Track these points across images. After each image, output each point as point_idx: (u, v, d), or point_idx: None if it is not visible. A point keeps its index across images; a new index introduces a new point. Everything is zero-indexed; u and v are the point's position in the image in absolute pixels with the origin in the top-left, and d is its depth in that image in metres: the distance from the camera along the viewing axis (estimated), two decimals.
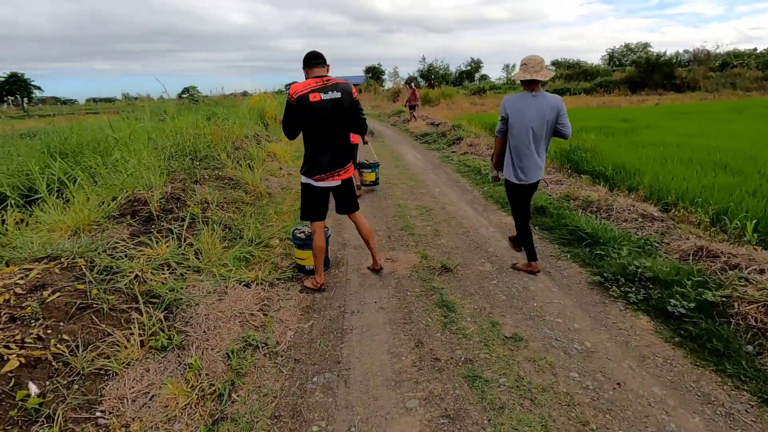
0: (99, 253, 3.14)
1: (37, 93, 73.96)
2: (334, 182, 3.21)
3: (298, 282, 3.58)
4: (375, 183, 6.72)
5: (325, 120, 3.03)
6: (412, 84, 17.85)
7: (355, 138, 7.22)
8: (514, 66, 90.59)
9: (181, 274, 3.41)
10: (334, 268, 3.83)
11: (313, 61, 3.08)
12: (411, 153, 10.17)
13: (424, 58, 59.74)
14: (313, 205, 3.28)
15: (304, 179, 3.21)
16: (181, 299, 2.94)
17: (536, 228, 4.63)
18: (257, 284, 3.39)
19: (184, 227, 4.09)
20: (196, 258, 3.68)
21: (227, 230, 4.52)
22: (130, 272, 3.09)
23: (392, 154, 10.00)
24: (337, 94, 3.03)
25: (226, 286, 3.26)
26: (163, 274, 3.30)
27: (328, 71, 3.15)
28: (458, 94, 37.00)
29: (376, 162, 6.82)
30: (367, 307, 3.17)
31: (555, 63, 67.52)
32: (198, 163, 7.13)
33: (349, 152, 3.27)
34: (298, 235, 3.64)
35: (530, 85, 3.19)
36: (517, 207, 3.56)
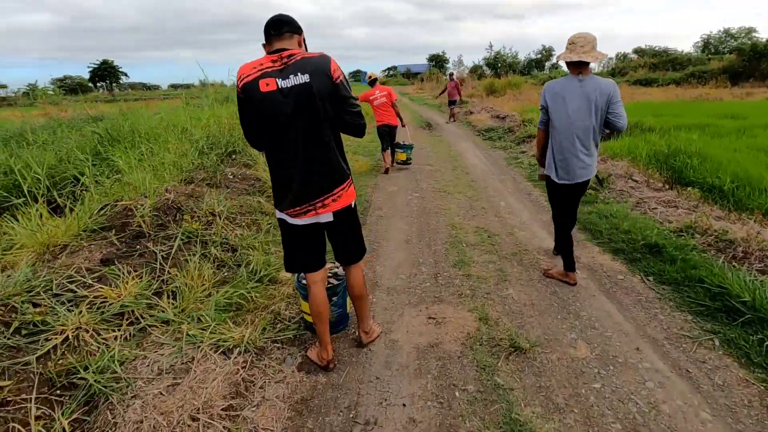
0: (23, 303, 2.28)
1: (124, 79, 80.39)
2: (321, 217, 2.08)
3: (301, 347, 2.53)
4: (407, 162, 7.43)
5: (289, 120, 1.92)
6: (454, 76, 15.06)
7: (394, 119, 7.07)
8: None
9: (142, 329, 2.50)
10: (354, 326, 2.73)
11: (273, 31, 1.96)
12: (472, 151, 8.80)
13: (491, 46, 56.89)
14: (296, 250, 2.20)
15: (278, 213, 2.13)
16: (113, 388, 1.99)
17: (651, 279, 3.22)
18: (241, 352, 2.38)
19: (172, 252, 3.20)
20: (173, 300, 2.76)
21: (232, 253, 3.59)
22: (62, 331, 2.20)
23: (449, 153, 8.69)
24: (305, 78, 1.88)
25: (194, 357, 2.29)
26: (115, 330, 2.40)
27: (301, 46, 2.05)
28: (526, 83, 34.26)
29: (410, 144, 7.51)
30: (390, 412, 2.04)
31: (638, 51, 61.31)
32: (225, 158, 6.35)
33: (339, 167, 2.07)
34: (303, 281, 2.57)
35: (577, 67, 2.79)
36: (559, 210, 3.21)
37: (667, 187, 5.66)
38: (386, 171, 7.07)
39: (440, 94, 14.42)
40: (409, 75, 77.58)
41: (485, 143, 9.86)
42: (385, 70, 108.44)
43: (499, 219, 4.64)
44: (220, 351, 2.36)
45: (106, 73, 76.30)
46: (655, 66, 41.39)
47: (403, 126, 7.32)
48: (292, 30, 1.98)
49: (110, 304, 2.52)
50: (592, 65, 2.86)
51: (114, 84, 76.40)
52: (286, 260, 2.22)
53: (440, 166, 7.36)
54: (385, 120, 7.01)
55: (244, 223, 4.14)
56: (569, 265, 3.20)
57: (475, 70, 53.02)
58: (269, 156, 2.03)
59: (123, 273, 2.84)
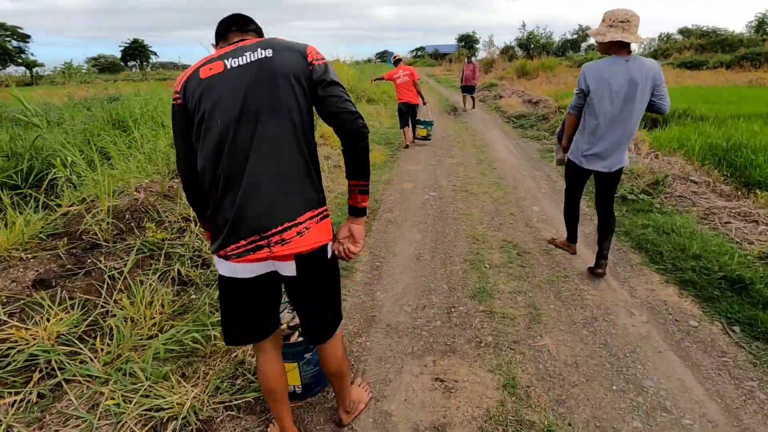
0: None
1: (154, 58, 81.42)
2: (281, 265, 1.39)
3: (262, 418, 1.90)
4: (427, 138, 7.85)
5: (239, 111, 1.26)
6: (472, 58, 12.96)
7: (415, 98, 7.25)
8: None
9: (59, 385, 1.91)
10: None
11: (235, 27, 1.44)
12: (501, 141, 7.91)
13: (524, 25, 54.23)
14: (239, 313, 1.48)
15: (216, 261, 1.42)
16: None
17: (737, 330, 2.41)
18: (176, 429, 1.76)
19: (126, 270, 2.61)
20: (109, 342, 2.16)
21: (203, 269, 2.98)
22: None
23: (475, 142, 7.82)
24: (266, 53, 1.30)
25: None
26: (12, 394, 1.82)
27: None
28: (561, 65, 32.30)
29: (430, 120, 7.90)
30: None
31: (683, 31, 57.31)
32: None
33: (311, 184, 1.38)
34: None
35: (625, 48, 2.60)
36: (573, 191, 3.14)
37: (738, 192, 4.71)
38: (407, 146, 7.50)
39: (461, 81, 12.56)
40: (437, 56, 75.24)
41: (515, 132, 8.92)
42: (412, 51, 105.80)
43: (530, 230, 3.85)
44: (149, 427, 1.75)
45: (136, 52, 77.36)
46: (702, 47, 38.65)
47: (424, 104, 7.68)
48: (258, 31, 1.48)
49: (18, 351, 1.95)
50: (634, 47, 2.69)
51: (144, 63, 77.49)
52: (224, 328, 1.54)
53: (463, 159, 6.55)
54: (406, 98, 7.25)
55: None
56: (573, 237, 3.31)
57: (507, 51, 50.70)
58: (205, 172, 1.32)
59: (56, 300, 2.26)
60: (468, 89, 12.25)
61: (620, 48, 2.60)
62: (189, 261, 2.93)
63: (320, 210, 1.39)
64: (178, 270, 2.80)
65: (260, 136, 1.27)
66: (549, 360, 2.22)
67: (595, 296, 2.80)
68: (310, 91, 1.33)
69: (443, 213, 4.32)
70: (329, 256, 1.47)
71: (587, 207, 4.37)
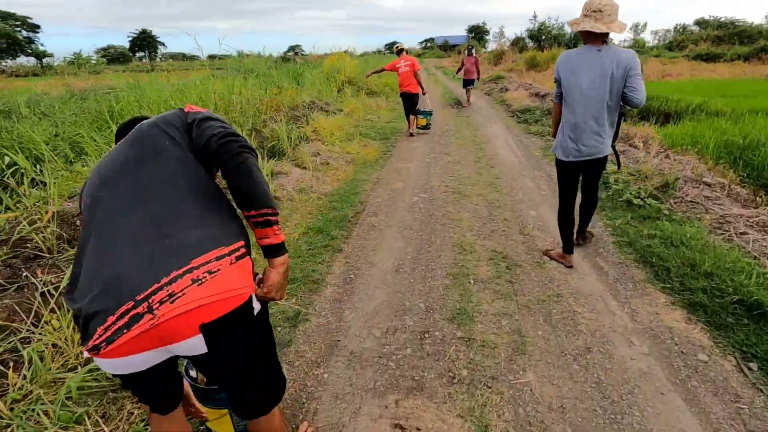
0: None
1: (162, 49, 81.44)
2: (175, 347, 1.00)
3: None
4: (426, 127, 8.03)
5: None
6: (473, 50, 11.92)
7: (415, 87, 7.41)
8: (645, 25, 76.89)
9: None
10: None
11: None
12: (502, 137, 7.52)
13: (535, 16, 53.20)
14: (134, 391, 1.17)
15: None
16: None
17: (754, 367, 2.07)
18: None
19: (61, 287, 2.34)
20: (26, 374, 1.89)
21: None
22: None
23: (475, 138, 7.45)
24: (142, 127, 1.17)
25: None
26: None
27: None
28: None
29: (429, 110, 8.05)
30: None
31: (700, 22, 55.72)
32: None
33: (215, 214, 1.09)
34: (191, 372, 1.61)
35: (598, 37, 2.57)
36: (566, 191, 3.03)
37: (756, 198, 4.32)
38: (410, 134, 7.83)
39: (458, 72, 12.17)
40: (447, 47, 74.17)
41: (519, 127, 8.51)
42: (421, 42, 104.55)
43: (524, 239, 3.52)
44: None
45: (144, 42, 77.43)
46: (719, 39, 37.67)
47: (424, 94, 7.83)
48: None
49: None
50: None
51: (153, 54, 77.53)
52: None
53: (461, 156, 6.19)
54: (406, 88, 7.43)
55: None
56: (569, 248, 3.10)
57: (517, 43, 49.66)
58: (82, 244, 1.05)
59: None
60: (468, 82, 11.70)
61: (594, 38, 2.58)
62: None
63: (235, 247, 1.06)
64: None
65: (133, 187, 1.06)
66: (531, 403, 1.90)
67: (590, 320, 2.47)
68: (188, 135, 1.13)
69: (431, 217, 3.99)
70: (256, 311, 1.14)
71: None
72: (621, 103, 2.66)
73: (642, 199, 4.09)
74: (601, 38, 2.58)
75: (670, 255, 3.02)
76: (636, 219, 3.74)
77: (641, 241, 3.31)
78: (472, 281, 2.88)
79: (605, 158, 2.86)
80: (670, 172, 4.61)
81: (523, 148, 6.66)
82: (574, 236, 3.15)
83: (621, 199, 4.16)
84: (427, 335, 2.36)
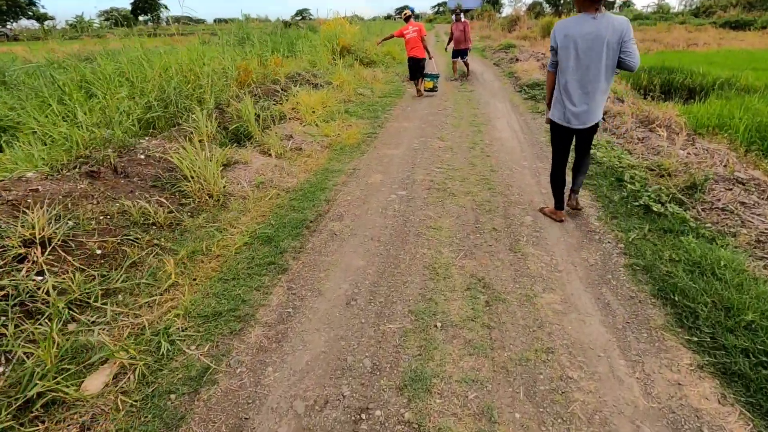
0: None
1: (164, 12, 79.07)
2: None
3: None
4: (433, 90, 8.46)
5: None
6: (461, 15, 10.13)
7: (422, 52, 7.98)
8: None
9: None
10: None
11: None
12: (505, 117, 6.70)
13: None
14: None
15: None
16: None
17: None
18: None
19: None
20: None
21: (27, 321, 2.12)
22: None
23: (474, 119, 6.63)
24: None
25: None
26: None
27: None
28: None
29: (436, 73, 8.50)
30: None
31: None
32: (160, 125, 4.81)
33: None
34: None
35: (592, 4, 2.65)
36: (559, 154, 3.20)
37: None
38: (420, 95, 8.36)
39: (448, 45, 10.58)
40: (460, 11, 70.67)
41: (526, 104, 7.65)
42: (434, 7, 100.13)
43: (514, 258, 2.85)
44: None
45: (146, 5, 75.06)
46: (750, 5, 35.09)
47: (430, 59, 8.21)
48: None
49: None
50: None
51: (155, 17, 75.28)
52: None
53: (454, 141, 5.44)
54: (414, 53, 7.99)
55: (95, 254, 2.62)
56: (560, 204, 3.33)
57: (533, 8, 47.04)
58: None
59: None
60: (459, 53, 10.11)
61: (589, 5, 2.65)
62: (4, 314, 2.06)
63: None
64: None
65: None
66: None
67: (589, 393, 1.84)
68: None
69: (406, 224, 3.33)
70: None
71: (597, 220, 3.32)
72: (616, 68, 2.74)
73: (663, 205, 3.37)
74: (596, 5, 2.64)
75: (697, 290, 2.35)
76: (655, 232, 3.04)
77: (660, 266, 2.63)
78: (439, 324, 2.24)
79: (597, 123, 2.97)
80: (699, 169, 3.85)
81: (527, 132, 5.86)
82: (567, 196, 3.36)
83: (637, 203, 3.44)
84: (364, 416, 1.75)
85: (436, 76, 8.48)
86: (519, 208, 3.56)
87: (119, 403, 1.79)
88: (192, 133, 4.69)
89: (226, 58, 6.76)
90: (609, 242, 3.02)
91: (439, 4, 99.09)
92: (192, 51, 6.64)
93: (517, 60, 12.66)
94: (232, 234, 3.15)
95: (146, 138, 4.24)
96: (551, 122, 3.09)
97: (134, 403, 1.80)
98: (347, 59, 11.27)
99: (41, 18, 64.69)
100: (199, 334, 2.19)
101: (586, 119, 2.89)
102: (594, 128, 3.00)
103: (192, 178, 3.52)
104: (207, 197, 3.54)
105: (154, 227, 3.06)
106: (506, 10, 54.07)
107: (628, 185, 3.76)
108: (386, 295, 2.49)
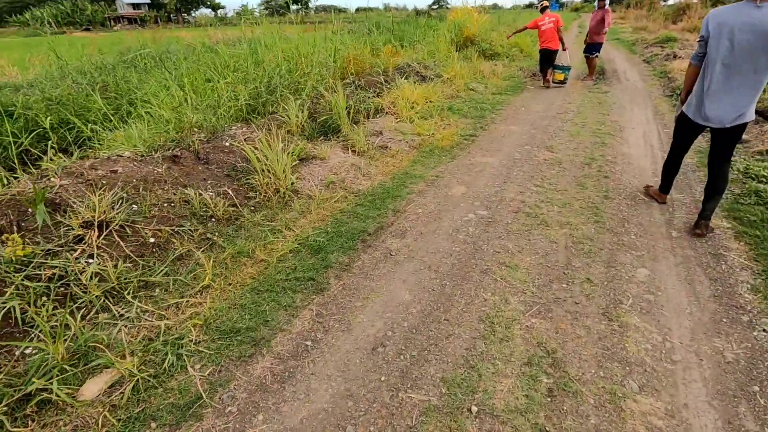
0: None
1: (312, 1, 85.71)
2: None
3: None
4: (563, 82, 8.15)
5: None
6: (605, 2, 8.06)
7: (556, 44, 7.85)
8: None
9: None
10: None
11: None
12: (642, 127, 5.46)
13: None
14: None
15: None
16: None
17: None
18: None
19: None
20: None
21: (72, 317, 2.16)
22: None
23: (599, 127, 5.52)
24: None
25: None
26: None
27: None
28: None
29: (568, 66, 8.18)
30: None
31: None
32: (256, 109, 4.89)
33: None
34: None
35: None
36: (680, 147, 3.08)
37: None
38: (547, 86, 8.10)
39: (585, 38, 8.54)
40: (614, 0, 62.94)
41: (674, 112, 6.18)
42: None
43: (609, 328, 2.12)
44: None
45: None
46: None
47: (564, 50, 7.99)
48: None
49: None
50: None
51: (305, 6, 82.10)
52: None
53: (566, 154, 4.56)
54: (547, 44, 7.84)
55: (148, 242, 2.64)
56: (666, 188, 3.29)
57: None
58: None
59: None
60: (591, 48, 8.38)
61: None
62: (46, 295, 2.13)
63: None
64: (17, 309, 2.01)
65: None
66: None
67: None
68: None
69: (476, 254, 2.77)
70: None
71: (750, 291, 2.36)
72: None
73: None
74: None
75: None
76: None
77: None
78: (474, 408, 1.71)
79: (744, 125, 2.66)
80: None
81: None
82: (694, 223, 2.95)
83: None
84: None
85: (568, 68, 8.15)
86: (632, 255, 2.73)
87: (102, 420, 1.68)
88: (284, 122, 4.68)
89: (333, 48, 6.71)
90: (765, 329, 2.09)
91: None
92: (303, 40, 6.74)
93: (674, 57, 10.53)
94: (285, 237, 2.96)
95: (237, 125, 4.32)
96: (681, 114, 2.92)
97: (115, 423, 1.67)
98: (469, 50, 10.57)
99: (215, 7, 75.08)
100: (208, 352, 2.01)
101: (724, 118, 2.64)
102: (737, 131, 2.69)
103: (262, 171, 3.43)
104: (273, 192, 3.42)
105: (213, 220, 3.02)
106: None
107: None
108: (422, 348, 2.03)
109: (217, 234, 2.91)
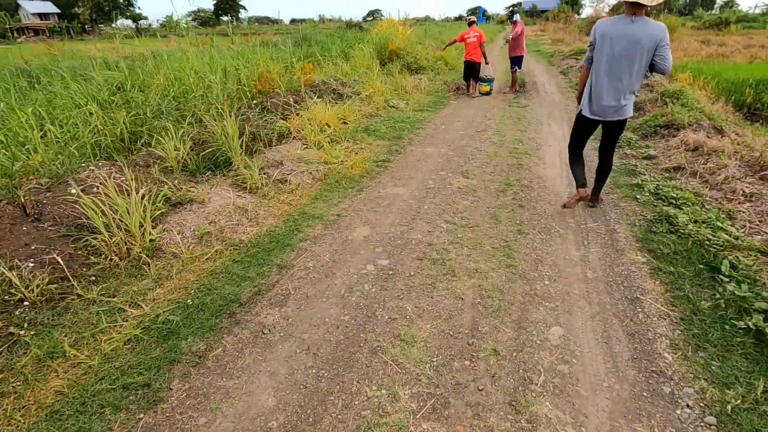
0: None
1: (243, 12, 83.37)
2: None
3: None
4: (488, 93, 8.64)
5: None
6: (515, 17, 8.77)
7: (479, 57, 8.32)
8: None
9: None
10: None
11: None
12: (557, 145, 5.33)
13: None
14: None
15: None
16: None
17: None
18: None
19: None
20: None
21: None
22: None
23: (517, 146, 5.33)
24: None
25: None
26: None
27: None
28: (683, 27, 26.13)
29: (492, 78, 8.74)
30: None
31: None
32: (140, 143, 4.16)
33: None
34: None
35: (633, 8, 2.81)
36: (578, 141, 3.46)
37: None
38: (472, 96, 8.58)
39: (506, 40, 9.02)
40: (534, 13, 67.04)
41: None
42: (508, 7, 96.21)
43: (515, 425, 1.70)
44: None
45: (227, 6, 79.51)
46: None
47: (487, 64, 8.65)
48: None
49: None
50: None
51: (235, 17, 79.52)
52: None
53: (482, 180, 4.25)
54: (471, 57, 8.27)
55: None
56: (581, 181, 3.38)
57: (618, 8, 43.00)
58: None
59: None
60: (512, 62, 8.65)
61: (631, 8, 2.81)
62: None
63: None
64: None
65: None
66: None
67: None
68: None
69: (367, 324, 2.28)
70: None
71: (670, 349, 2.06)
72: (648, 71, 2.92)
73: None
74: (633, 9, 2.80)
75: None
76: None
77: None
78: None
79: (625, 121, 3.15)
80: None
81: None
82: (590, 200, 3.50)
83: (743, 325, 2.12)
84: None
85: (492, 80, 8.69)
86: (545, 309, 2.37)
87: None
88: (161, 157, 3.97)
89: (223, 65, 6.07)
90: (689, 404, 1.77)
91: (513, 5, 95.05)
92: (202, 56, 6.03)
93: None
94: (126, 319, 2.30)
95: (93, 164, 3.55)
96: (579, 114, 3.31)
97: None
98: (394, 64, 10.28)
99: (136, 18, 70.73)
100: None
101: (608, 112, 3.08)
102: (619, 126, 3.17)
103: (108, 228, 2.73)
104: (124, 256, 2.73)
105: (26, 304, 2.29)
106: (586, 11, 50.09)
107: (727, 284, 2.42)
108: None
109: (27, 325, 2.18)
